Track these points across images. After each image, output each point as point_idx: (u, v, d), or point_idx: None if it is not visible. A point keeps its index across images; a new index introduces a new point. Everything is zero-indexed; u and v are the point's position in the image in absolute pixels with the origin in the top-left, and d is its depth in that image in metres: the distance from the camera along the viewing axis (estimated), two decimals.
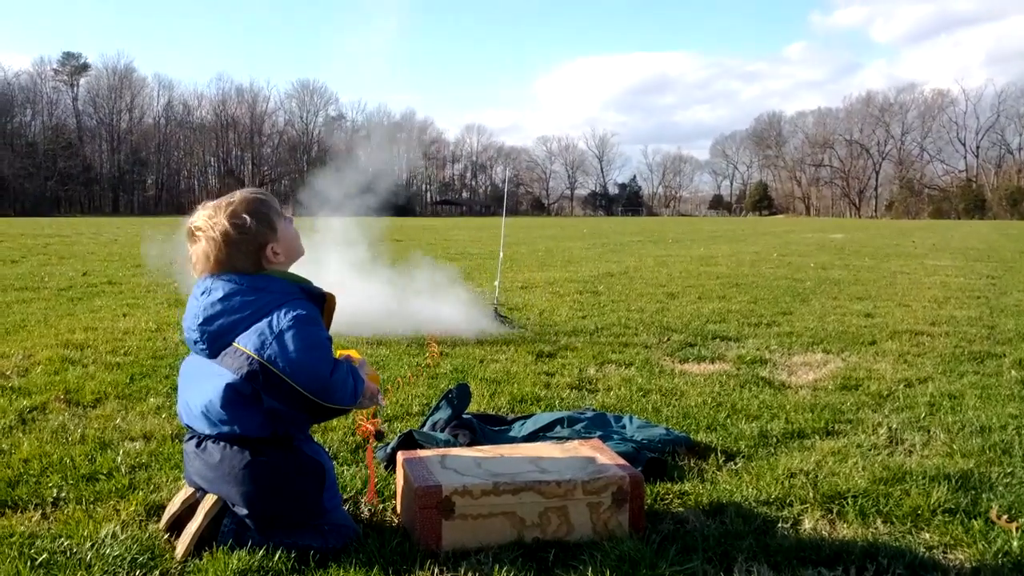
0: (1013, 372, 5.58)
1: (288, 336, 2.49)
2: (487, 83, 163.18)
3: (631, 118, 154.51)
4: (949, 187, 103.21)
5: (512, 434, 3.80)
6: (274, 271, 2.66)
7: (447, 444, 3.43)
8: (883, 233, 36.15)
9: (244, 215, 2.59)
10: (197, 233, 2.62)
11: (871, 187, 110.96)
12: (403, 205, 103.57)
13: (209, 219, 2.60)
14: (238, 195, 2.66)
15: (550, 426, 3.84)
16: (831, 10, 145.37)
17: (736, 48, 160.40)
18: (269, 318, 2.53)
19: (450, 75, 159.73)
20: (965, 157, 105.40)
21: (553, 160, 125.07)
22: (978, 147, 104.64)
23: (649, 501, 3.02)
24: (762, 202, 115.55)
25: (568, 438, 3.53)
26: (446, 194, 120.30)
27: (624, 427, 3.89)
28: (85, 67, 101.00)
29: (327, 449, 3.32)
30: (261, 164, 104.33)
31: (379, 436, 3.28)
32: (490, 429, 3.79)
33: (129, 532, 2.70)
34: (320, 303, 2.72)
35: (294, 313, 2.53)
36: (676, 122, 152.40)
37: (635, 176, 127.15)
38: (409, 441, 3.42)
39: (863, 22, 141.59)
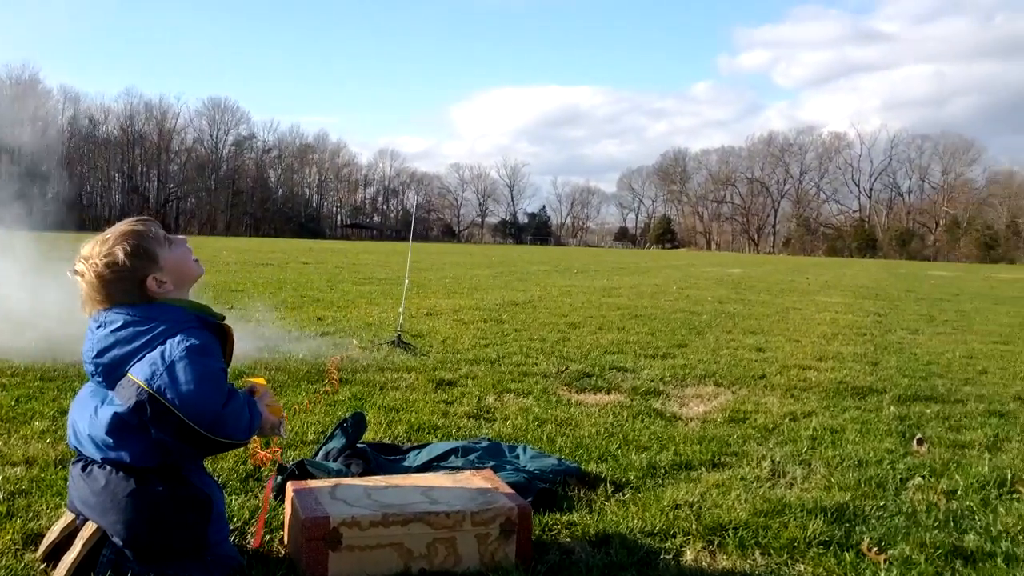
0: (892, 408, 5.86)
1: (179, 367, 2.46)
2: (402, 109, 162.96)
3: (543, 149, 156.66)
4: (843, 226, 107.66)
5: (406, 464, 3.81)
6: (170, 299, 2.63)
7: (339, 474, 3.42)
8: (779, 269, 37.42)
9: (117, 252, 2.56)
10: (77, 276, 2.60)
11: (770, 224, 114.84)
12: (312, 227, 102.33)
13: (86, 260, 2.57)
14: (113, 231, 2.63)
15: (444, 456, 3.87)
16: (737, 52, 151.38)
17: (646, 85, 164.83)
18: (162, 348, 2.50)
19: (366, 99, 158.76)
20: (859, 198, 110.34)
21: (465, 187, 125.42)
22: (871, 189, 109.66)
23: (537, 532, 3.08)
24: (665, 235, 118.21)
25: (461, 468, 3.56)
26: (357, 217, 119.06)
27: (518, 457, 3.95)
28: None
29: (217, 477, 3.27)
30: (167, 182, 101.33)
31: (282, 470, 3.25)
32: (384, 459, 3.79)
33: (3, 562, 2.61)
34: (219, 332, 2.70)
35: (187, 343, 2.50)
36: (586, 155, 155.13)
37: (544, 206, 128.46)
38: (301, 471, 3.40)
39: (767, 65, 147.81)
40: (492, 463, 3.74)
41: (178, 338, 2.52)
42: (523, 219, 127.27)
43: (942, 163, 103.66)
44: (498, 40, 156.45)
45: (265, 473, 3.56)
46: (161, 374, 2.45)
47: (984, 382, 7.17)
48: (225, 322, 2.74)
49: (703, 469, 4.11)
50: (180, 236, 2.74)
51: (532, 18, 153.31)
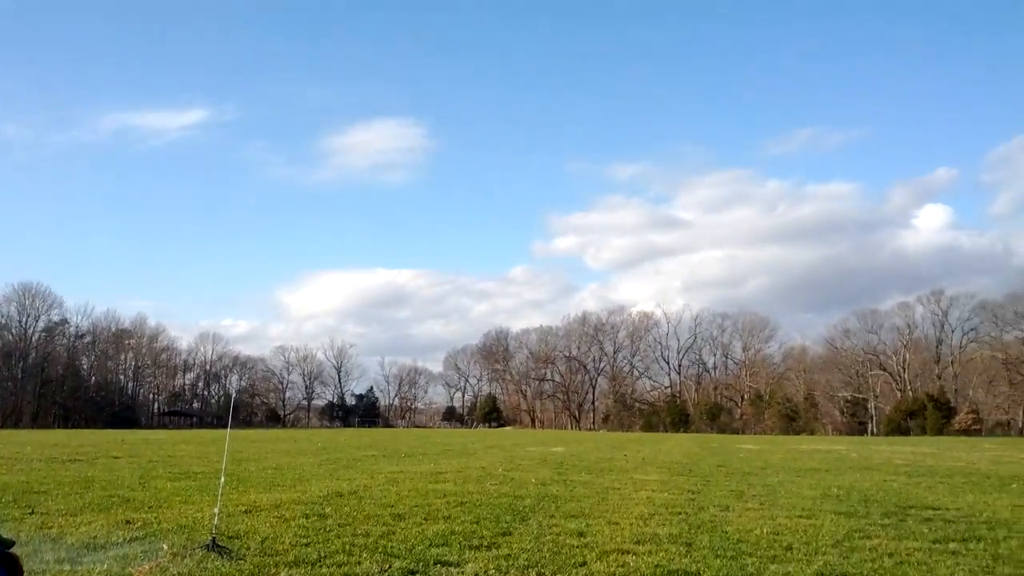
0: None
1: None
2: (226, 291, 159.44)
3: (369, 330, 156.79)
4: (657, 401, 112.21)
5: None
6: None
7: None
8: (599, 446, 38.29)
9: None
10: None
11: (589, 400, 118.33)
12: (127, 416, 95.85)
13: None
14: None
15: None
16: (551, 238, 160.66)
17: (467, 268, 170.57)
18: None
19: (187, 281, 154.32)
20: (669, 374, 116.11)
21: (291, 370, 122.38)
22: (680, 365, 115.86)
23: None
24: (491, 414, 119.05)
25: None
26: (175, 404, 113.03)
27: None
28: None
29: None
30: None
31: None
32: None
33: None
34: (6, 562, 2.59)
35: None
36: (412, 334, 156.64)
37: (372, 387, 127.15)
38: None
39: (578, 249, 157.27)
40: None
41: None
42: (351, 401, 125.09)
43: (742, 340, 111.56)
44: (323, 225, 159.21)
45: None
46: None
47: (789, 558, 7.63)
48: (13, 550, 2.64)
49: None
50: None
51: (356, 204, 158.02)
